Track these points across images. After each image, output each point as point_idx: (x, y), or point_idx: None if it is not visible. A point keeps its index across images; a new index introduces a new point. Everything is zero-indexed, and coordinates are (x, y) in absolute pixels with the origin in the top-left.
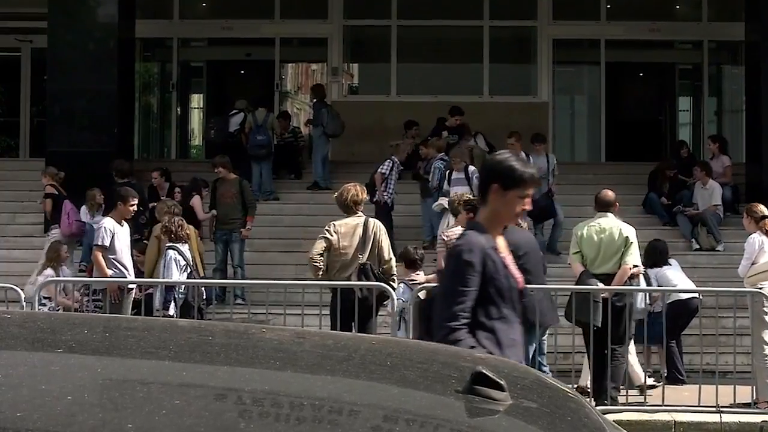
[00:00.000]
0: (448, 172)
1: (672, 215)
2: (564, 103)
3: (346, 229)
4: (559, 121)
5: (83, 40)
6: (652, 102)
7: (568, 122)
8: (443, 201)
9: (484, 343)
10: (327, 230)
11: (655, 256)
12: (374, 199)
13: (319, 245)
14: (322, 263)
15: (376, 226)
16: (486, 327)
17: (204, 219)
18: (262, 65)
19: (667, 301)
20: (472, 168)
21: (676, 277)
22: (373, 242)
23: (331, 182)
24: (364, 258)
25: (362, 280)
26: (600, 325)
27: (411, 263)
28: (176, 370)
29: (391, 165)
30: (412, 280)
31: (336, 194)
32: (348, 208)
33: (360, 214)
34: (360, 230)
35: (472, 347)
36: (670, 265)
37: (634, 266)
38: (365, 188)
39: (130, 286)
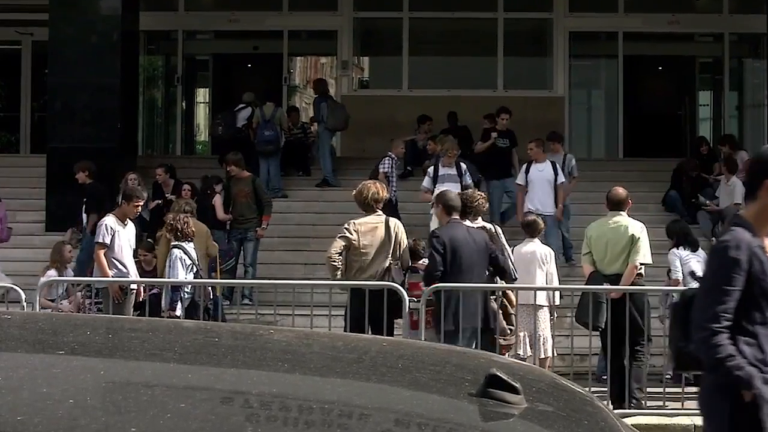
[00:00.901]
0: (432, 168)
1: (693, 213)
2: (580, 98)
3: (366, 229)
4: (576, 116)
5: (85, 32)
6: (672, 96)
7: (585, 117)
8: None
9: (743, 349)
10: (347, 228)
11: (674, 236)
12: None
13: (338, 244)
14: (340, 263)
15: (397, 226)
16: (747, 331)
17: (224, 219)
18: (270, 59)
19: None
20: (464, 166)
21: (699, 270)
22: (394, 243)
23: (337, 180)
24: (388, 260)
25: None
26: (603, 326)
27: (413, 254)
28: (181, 372)
29: (390, 162)
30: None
31: (355, 192)
32: (368, 206)
33: (380, 212)
34: (381, 231)
35: (731, 356)
36: (695, 252)
37: (642, 264)
38: (385, 186)
39: (132, 286)
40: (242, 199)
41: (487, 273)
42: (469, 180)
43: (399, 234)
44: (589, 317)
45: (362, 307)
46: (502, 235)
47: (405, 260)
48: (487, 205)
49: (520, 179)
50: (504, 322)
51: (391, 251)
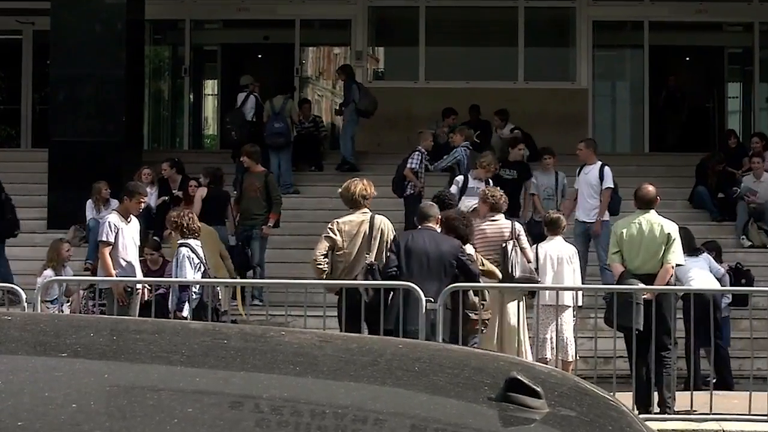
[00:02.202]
0: (462, 179)
1: (724, 209)
2: (605, 90)
3: (351, 227)
4: (600, 108)
5: (89, 21)
6: (700, 88)
7: (609, 110)
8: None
9: None
10: (330, 228)
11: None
12: (405, 194)
13: (323, 245)
14: (326, 264)
15: (383, 223)
16: None
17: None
18: (281, 49)
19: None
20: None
21: (695, 272)
22: (380, 241)
23: (358, 162)
24: (371, 257)
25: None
26: (642, 329)
27: None
28: (189, 375)
29: (420, 157)
30: None
31: (341, 189)
32: (356, 202)
33: (366, 210)
34: (365, 228)
35: None
36: (696, 257)
37: (677, 265)
38: (372, 184)
39: (138, 286)
40: (251, 194)
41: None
42: None
43: (385, 231)
44: (632, 319)
45: (356, 308)
46: (524, 234)
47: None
48: (506, 206)
49: (576, 183)
50: (474, 298)
51: (375, 249)
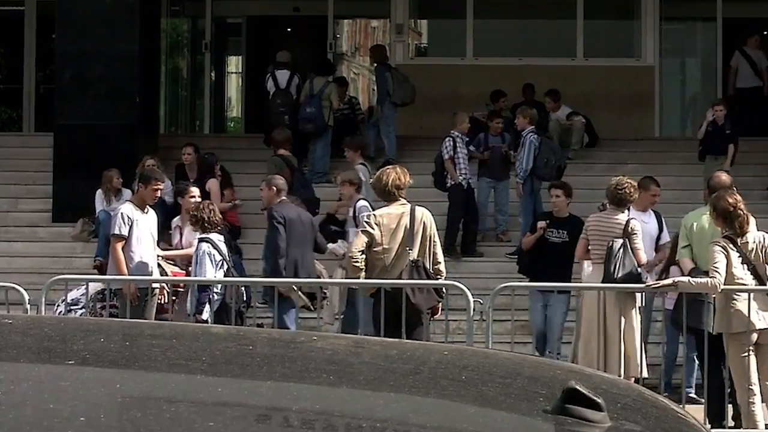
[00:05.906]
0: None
1: None
2: (673, 68)
3: (389, 221)
4: (667, 88)
5: None
6: None
7: (678, 90)
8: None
9: None
10: (367, 222)
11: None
12: (447, 186)
13: (360, 241)
14: (362, 262)
15: (425, 216)
16: None
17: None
18: (313, 22)
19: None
20: (361, 203)
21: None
22: (422, 235)
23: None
24: (414, 254)
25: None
26: (713, 331)
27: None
28: (210, 385)
29: (452, 143)
30: None
31: (372, 179)
32: (389, 194)
33: (403, 201)
34: (406, 221)
35: None
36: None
37: None
38: (407, 171)
39: (154, 285)
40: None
41: None
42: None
43: (428, 225)
44: (702, 320)
45: (396, 307)
46: (639, 233)
47: (436, 263)
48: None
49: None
50: None
51: (418, 245)
